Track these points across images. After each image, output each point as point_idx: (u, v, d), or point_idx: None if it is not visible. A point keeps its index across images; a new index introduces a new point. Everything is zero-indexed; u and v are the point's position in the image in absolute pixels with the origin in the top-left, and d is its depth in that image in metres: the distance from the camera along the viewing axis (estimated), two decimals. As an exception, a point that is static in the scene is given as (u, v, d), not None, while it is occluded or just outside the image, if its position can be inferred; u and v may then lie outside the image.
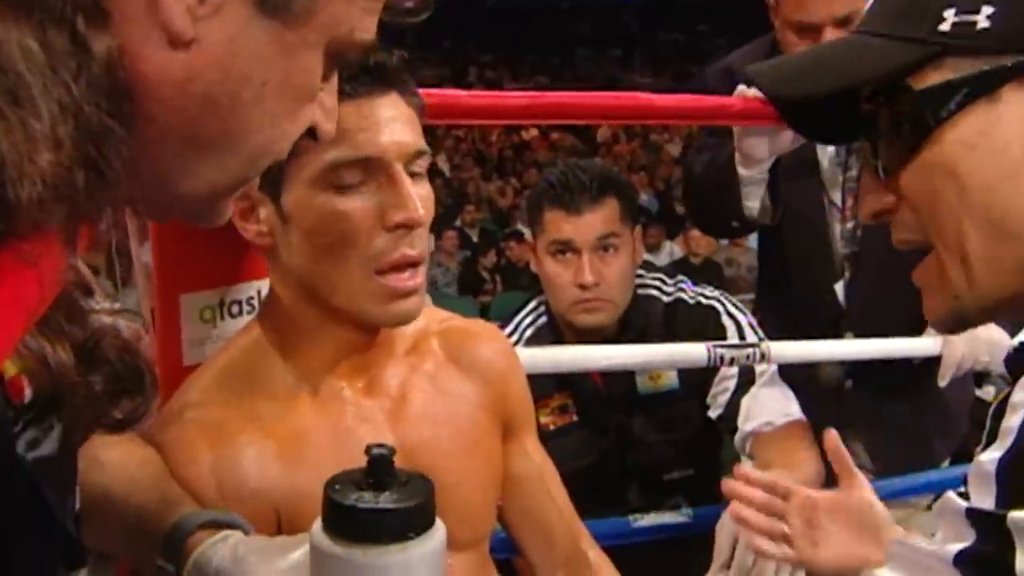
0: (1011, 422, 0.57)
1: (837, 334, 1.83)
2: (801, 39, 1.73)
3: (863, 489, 1.10)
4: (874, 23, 0.72)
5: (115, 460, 0.93)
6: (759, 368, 1.68)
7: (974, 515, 0.58)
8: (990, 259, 0.67)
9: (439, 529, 0.68)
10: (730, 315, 1.76)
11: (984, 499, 0.57)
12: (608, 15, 18.93)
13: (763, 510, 1.18)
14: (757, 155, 1.71)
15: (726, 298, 1.81)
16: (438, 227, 7.90)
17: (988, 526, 0.56)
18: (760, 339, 1.71)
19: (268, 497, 0.97)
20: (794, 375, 1.75)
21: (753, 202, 1.79)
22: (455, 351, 1.14)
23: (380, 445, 0.68)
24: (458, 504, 1.02)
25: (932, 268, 0.72)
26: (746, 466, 1.29)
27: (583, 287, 1.71)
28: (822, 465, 1.60)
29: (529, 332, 1.82)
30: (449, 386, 1.11)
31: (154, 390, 0.67)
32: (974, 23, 0.65)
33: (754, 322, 1.76)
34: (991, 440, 0.59)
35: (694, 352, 1.43)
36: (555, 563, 1.21)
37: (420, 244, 0.99)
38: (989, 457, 0.58)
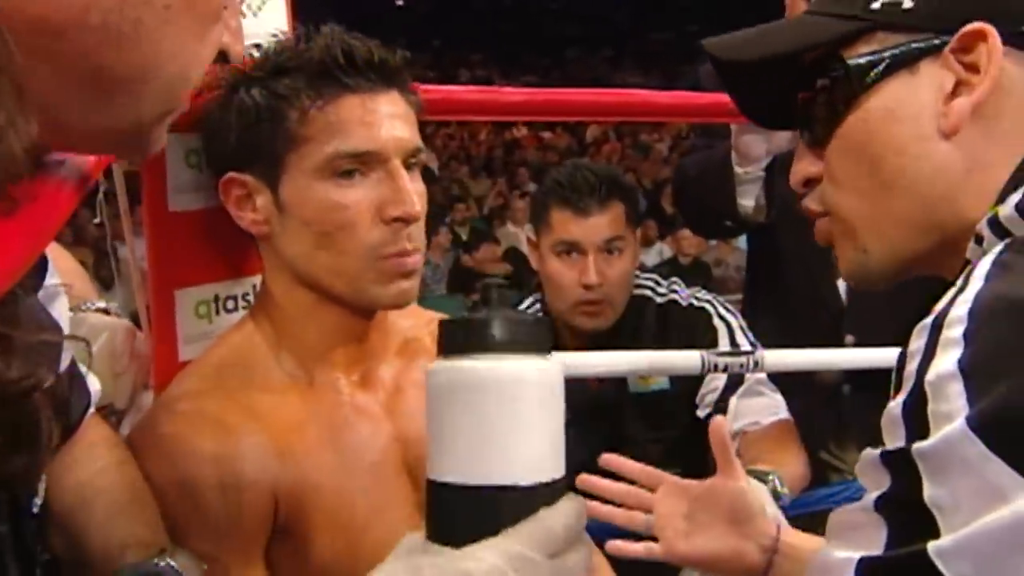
0: (910, 367, 0.60)
1: (837, 334, 1.80)
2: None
3: (739, 478, 1.07)
4: (819, 4, 0.80)
5: (83, 480, 0.91)
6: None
7: (886, 457, 0.59)
8: (900, 219, 0.73)
9: (556, 362, 0.63)
10: (721, 317, 1.77)
11: (895, 442, 0.59)
12: (598, 15, 18.89)
13: (625, 500, 1.13)
14: (754, 153, 1.71)
15: (718, 301, 1.82)
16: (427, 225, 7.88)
17: (898, 463, 0.58)
18: (752, 343, 1.73)
19: (267, 488, 0.98)
20: (791, 379, 1.73)
21: (748, 200, 1.79)
22: None
23: (493, 276, 0.67)
24: None
25: (832, 228, 0.79)
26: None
27: (587, 287, 1.72)
28: (807, 466, 1.61)
29: None
30: None
31: (53, 444, 0.62)
32: (900, 3, 0.73)
33: (744, 325, 1.77)
34: (898, 390, 0.62)
35: (689, 359, 1.45)
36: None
37: (417, 238, 1.02)
38: (896, 403, 0.60)
